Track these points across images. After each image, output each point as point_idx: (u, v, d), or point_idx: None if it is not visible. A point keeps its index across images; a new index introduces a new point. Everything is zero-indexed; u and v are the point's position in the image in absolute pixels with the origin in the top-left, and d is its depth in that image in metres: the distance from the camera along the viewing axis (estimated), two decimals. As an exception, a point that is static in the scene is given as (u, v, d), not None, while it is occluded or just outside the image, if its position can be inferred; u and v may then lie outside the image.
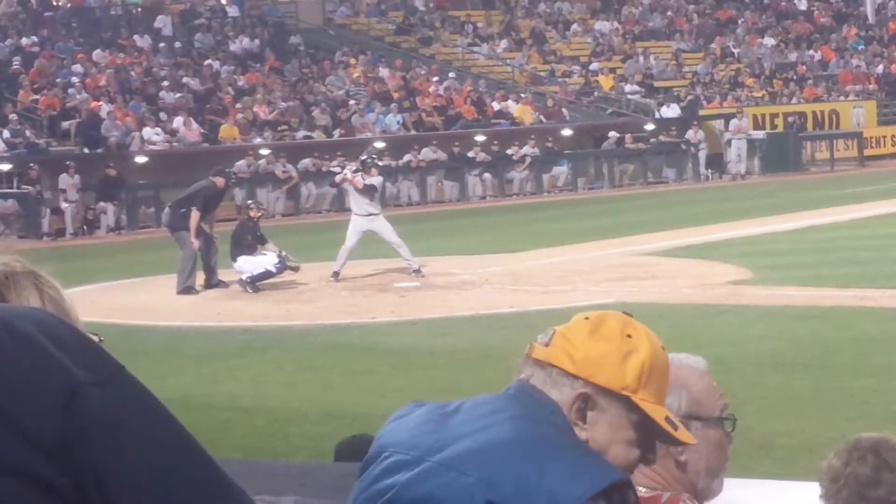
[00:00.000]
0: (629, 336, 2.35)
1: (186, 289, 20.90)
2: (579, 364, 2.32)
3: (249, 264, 21.03)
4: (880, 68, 52.63)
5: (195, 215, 21.12)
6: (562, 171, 40.81)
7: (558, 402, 2.31)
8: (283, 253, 21.37)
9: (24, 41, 41.78)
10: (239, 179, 34.50)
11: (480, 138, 39.80)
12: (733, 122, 43.27)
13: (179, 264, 21.13)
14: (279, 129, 39.14)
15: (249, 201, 23.57)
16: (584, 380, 2.31)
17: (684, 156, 42.49)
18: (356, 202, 21.89)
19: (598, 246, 24.66)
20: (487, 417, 2.29)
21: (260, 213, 22.35)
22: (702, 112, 45.48)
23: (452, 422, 2.32)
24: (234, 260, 21.17)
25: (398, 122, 40.83)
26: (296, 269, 21.40)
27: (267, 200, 34.23)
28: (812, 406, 11.85)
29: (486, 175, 39.14)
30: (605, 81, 47.28)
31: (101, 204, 33.60)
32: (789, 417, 11.35)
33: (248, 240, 21.25)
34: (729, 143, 43.30)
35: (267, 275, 21.02)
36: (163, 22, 45.06)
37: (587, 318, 2.38)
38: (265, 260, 21.09)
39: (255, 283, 20.88)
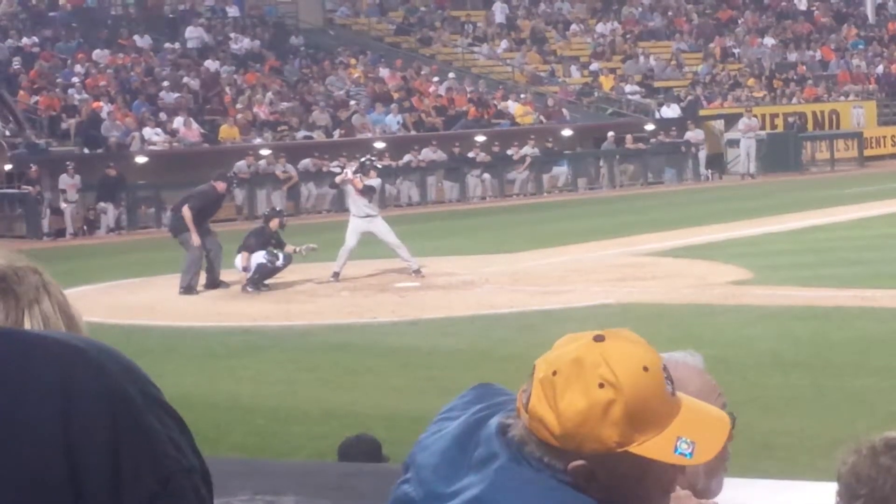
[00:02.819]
0: (601, 386, 2.14)
1: (188, 288, 20.92)
2: (561, 439, 2.16)
3: (243, 261, 21.05)
4: (880, 68, 52.63)
5: (187, 213, 21.20)
6: (562, 171, 40.82)
7: (559, 468, 2.18)
8: (298, 249, 21.39)
9: (25, 41, 41.79)
10: (239, 180, 34.51)
11: (480, 138, 39.79)
12: (743, 122, 43.16)
13: (184, 264, 21.16)
14: (279, 129, 39.16)
15: (269, 212, 23.32)
16: (573, 452, 2.16)
17: (684, 156, 42.49)
18: (354, 203, 21.99)
19: (599, 246, 24.66)
20: (493, 473, 2.22)
21: (282, 227, 22.20)
22: (702, 112, 45.48)
23: (465, 466, 2.26)
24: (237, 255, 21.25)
25: (398, 123, 40.84)
26: (311, 251, 21.46)
27: (268, 200, 34.29)
28: (812, 406, 11.85)
29: (486, 175, 39.14)
30: (606, 81, 47.29)
31: (102, 204, 33.60)
32: (790, 417, 11.36)
33: (271, 244, 21.28)
34: (731, 143, 43.28)
35: (261, 268, 20.97)
36: (192, 33, 44.70)
37: (555, 374, 2.17)
38: (257, 255, 21.07)
39: (257, 283, 20.88)
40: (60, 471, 1.56)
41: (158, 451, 1.62)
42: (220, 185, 22.27)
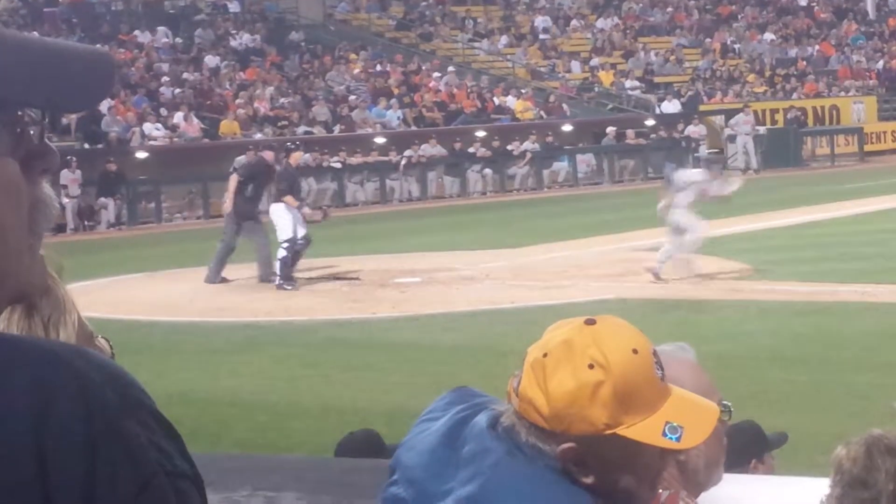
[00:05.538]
0: (590, 367, 2.16)
1: (211, 276, 20.79)
2: (550, 421, 2.17)
3: (278, 217, 20.75)
4: (880, 64, 52.63)
5: (233, 181, 21.01)
6: (562, 166, 40.82)
7: (549, 453, 2.20)
8: (305, 207, 21.21)
9: (25, 37, 41.72)
10: (297, 145, 34.32)
11: (481, 134, 39.80)
12: (739, 117, 43.09)
13: (258, 252, 20.83)
14: (279, 124, 39.14)
15: (288, 147, 22.41)
16: (562, 433, 2.18)
17: (685, 151, 42.44)
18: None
19: (599, 241, 24.66)
20: (486, 470, 2.22)
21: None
22: (702, 107, 45.46)
23: (455, 463, 2.26)
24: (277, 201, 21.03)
25: (398, 118, 40.83)
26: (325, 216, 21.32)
27: (268, 194, 34.18)
28: (812, 402, 11.86)
29: (487, 170, 39.14)
30: (606, 77, 47.27)
31: (102, 199, 33.61)
32: (790, 413, 11.34)
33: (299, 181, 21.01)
34: (732, 138, 43.25)
35: (286, 261, 20.57)
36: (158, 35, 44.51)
37: (545, 356, 2.20)
38: (285, 229, 20.77)
39: (289, 278, 20.45)
40: (28, 474, 1.55)
41: (138, 455, 1.61)
42: (269, 155, 21.84)
